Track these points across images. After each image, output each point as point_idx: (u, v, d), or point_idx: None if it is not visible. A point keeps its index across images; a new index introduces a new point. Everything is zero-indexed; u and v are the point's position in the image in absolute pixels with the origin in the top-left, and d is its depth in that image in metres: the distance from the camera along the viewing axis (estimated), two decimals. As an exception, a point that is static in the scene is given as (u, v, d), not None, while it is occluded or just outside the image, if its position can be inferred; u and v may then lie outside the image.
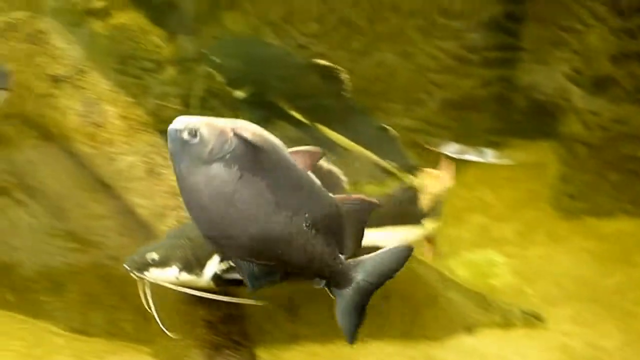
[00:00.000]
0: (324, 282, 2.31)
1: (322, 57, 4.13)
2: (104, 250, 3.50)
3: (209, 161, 2.09)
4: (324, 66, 3.85)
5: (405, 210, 3.36)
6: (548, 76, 4.87)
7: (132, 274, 2.78)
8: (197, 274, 2.82)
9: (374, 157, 3.87)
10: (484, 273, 4.23)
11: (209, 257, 2.82)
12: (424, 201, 3.46)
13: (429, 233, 3.52)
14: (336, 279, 2.30)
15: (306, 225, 2.18)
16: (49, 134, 3.57)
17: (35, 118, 3.56)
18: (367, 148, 3.86)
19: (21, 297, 3.61)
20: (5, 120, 3.57)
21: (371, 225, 2.81)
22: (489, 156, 4.73)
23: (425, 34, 4.75)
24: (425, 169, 3.62)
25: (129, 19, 4.63)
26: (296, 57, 4.18)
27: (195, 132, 2.09)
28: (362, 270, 2.31)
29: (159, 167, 3.29)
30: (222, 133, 2.10)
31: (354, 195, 2.28)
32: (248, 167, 2.10)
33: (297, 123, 3.84)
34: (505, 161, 4.75)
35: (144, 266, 2.80)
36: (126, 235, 3.47)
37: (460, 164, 4.13)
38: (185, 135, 2.09)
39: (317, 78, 3.87)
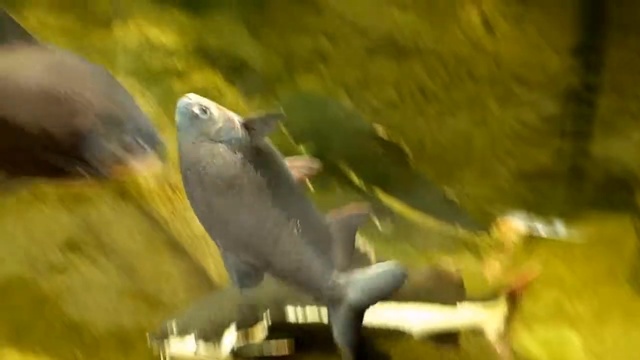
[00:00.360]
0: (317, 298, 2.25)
1: (397, 123, 4.11)
2: (173, 311, 3.49)
3: (215, 139, 2.07)
4: (385, 136, 3.85)
5: (436, 287, 3.16)
6: (625, 148, 4.78)
7: (152, 345, 2.78)
8: (214, 344, 2.80)
9: (437, 224, 3.81)
10: (558, 351, 4.11)
11: (226, 325, 2.81)
12: (497, 262, 3.30)
13: (482, 321, 3.21)
14: (327, 296, 2.22)
15: (297, 231, 2.15)
16: (126, 194, 3.60)
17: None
18: (430, 216, 3.81)
19: (90, 355, 3.61)
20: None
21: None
22: (562, 229, 4.64)
23: (501, 103, 4.72)
24: (501, 219, 3.48)
25: (205, 78, 4.69)
26: (362, 120, 4.17)
27: (206, 109, 2.08)
28: (353, 289, 2.21)
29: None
30: (230, 120, 2.10)
31: (345, 212, 2.22)
32: (251, 160, 2.09)
33: (355, 186, 3.82)
34: (579, 235, 4.65)
35: (165, 336, 2.81)
36: (196, 297, 3.47)
37: (533, 237, 4.05)
38: (196, 109, 2.07)
39: (378, 143, 3.86)
